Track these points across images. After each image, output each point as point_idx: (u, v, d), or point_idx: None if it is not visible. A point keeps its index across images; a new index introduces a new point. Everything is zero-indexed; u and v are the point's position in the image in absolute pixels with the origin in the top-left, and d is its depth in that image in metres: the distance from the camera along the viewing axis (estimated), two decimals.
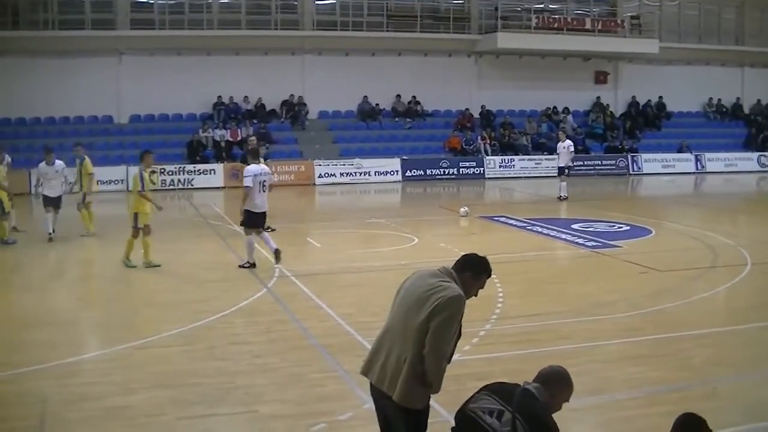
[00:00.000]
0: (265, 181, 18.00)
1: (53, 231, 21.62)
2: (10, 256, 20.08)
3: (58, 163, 22.14)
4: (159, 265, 18.06)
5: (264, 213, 18.11)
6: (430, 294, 6.22)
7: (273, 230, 22.20)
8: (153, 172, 19.82)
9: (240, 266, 17.88)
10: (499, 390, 5.94)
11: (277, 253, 17.73)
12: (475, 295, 6.61)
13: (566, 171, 32.49)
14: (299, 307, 14.45)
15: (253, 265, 17.83)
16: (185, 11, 41.83)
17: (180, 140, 39.95)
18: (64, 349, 11.98)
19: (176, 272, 17.92)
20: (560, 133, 35.43)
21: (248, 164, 18.32)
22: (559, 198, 31.62)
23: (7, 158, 24.00)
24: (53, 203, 21.92)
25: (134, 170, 18.96)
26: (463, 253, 6.70)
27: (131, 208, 18.43)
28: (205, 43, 41.66)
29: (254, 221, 17.89)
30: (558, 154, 33.13)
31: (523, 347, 11.81)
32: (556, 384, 5.93)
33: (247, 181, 17.64)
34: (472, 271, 6.53)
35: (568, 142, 33.21)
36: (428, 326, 6.13)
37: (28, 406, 9.63)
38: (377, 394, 6.51)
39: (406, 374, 6.19)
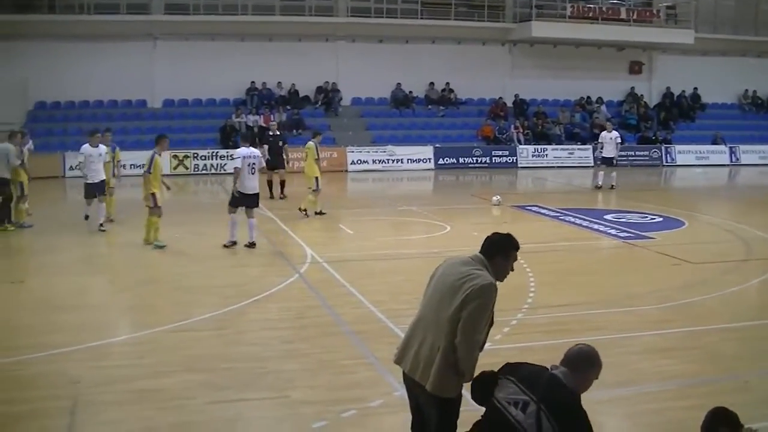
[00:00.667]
0: (254, 163, 18.66)
1: (98, 224, 21.04)
2: (39, 239, 20.17)
3: (102, 146, 21.44)
4: (164, 246, 18.65)
5: (255, 195, 18.80)
6: (462, 283, 6.21)
7: (324, 214, 22.43)
8: (186, 156, 20.10)
9: (224, 245, 18.61)
10: (526, 377, 5.90)
11: (251, 245, 18.65)
12: (512, 270, 6.61)
13: (613, 161, 32.60)
14: (331, 294, 14.48)
15: (233, 243, 18.67)
16: None
17: (213, 125, 40.04)
18: (95, 332, 12.07)
19: (208, 257, 17.98)
20: (607, 123, 35.53)
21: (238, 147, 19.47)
22: (607, 187, 31.78)
23: (30, 143, 24.12)
24: (96, 190, 21.21)
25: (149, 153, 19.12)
26: (486, 237, 6.63)
27: (146, 189, 18.79)
28: (239, 29, 41.65)
29: (241, 201, 18.64)
30: (603, 144, 33.05)
31: (554, 337, 11.77)
32: (583, 366, 5.87)
33: (236, 162, 18.61)
34: (501, 253, 6.50)
35: (615, 132, 33.34)
36: (460, 315, 6.12)
37: (61, 388, 9.70)
38: (410, 382, 6.53)
39: (439, 363, 6.19)
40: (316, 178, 22.98)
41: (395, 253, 17.98)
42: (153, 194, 18.53)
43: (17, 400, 9.31)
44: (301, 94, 43.41)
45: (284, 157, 27.96)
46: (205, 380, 9.98)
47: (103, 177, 21.27)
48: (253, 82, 42.56)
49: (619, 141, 33.16)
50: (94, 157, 21.05)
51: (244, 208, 18.77)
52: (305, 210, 23.10)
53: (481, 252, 6.52)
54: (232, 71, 41.52)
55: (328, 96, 43.50)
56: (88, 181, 21.14)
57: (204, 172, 37.31)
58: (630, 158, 42.46)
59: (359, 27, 43.38)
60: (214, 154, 37.88)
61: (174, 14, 40.93)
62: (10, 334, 12.08)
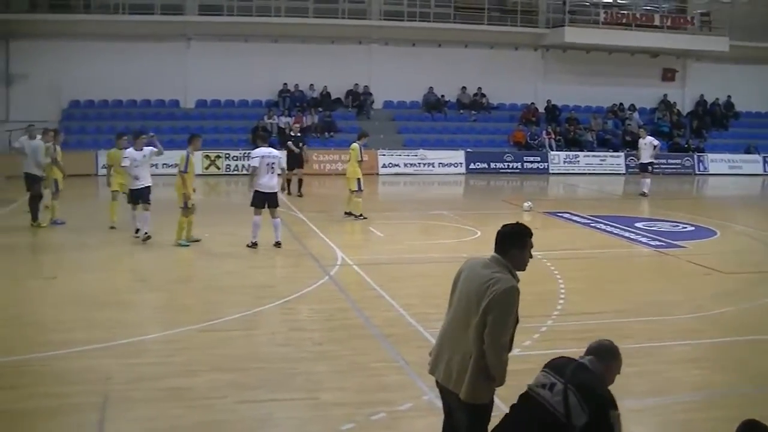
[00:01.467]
0: (273, 163, 18.65)
1: (142, 233, 19.63)
2: (71, 236, 20.34)
3: (147, 149, 19.96)
4: (188, 245, 18.91)
5: (273, 194, 18.79)
6: (485, 288, 6.25)
7: (365, 218, 22.45)
8: (218, 157, 20.13)
9: (247, 245, 18.76)
10: (555, 365, 6.11)
11: (277, 245, 18.77)
12: (531, 257, 6.64)
13: (649, 168, 32.54)
14: (361, 296, 14.52)
15: (255, 245, 18.70)
16: None
17: (245, 126, 40.17)
18: (127, 329, 12.16)
19: (239, 257, 18.05)
20: (641, 129, 35.50)
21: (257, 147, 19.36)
22: (642, 194, 31.67)
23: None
24: (140, 196, 19.74)
25: (183, 152, 19.20)
26: (497, 231, 6.64)
27: (179, 188, 18.91)
28: (272, 31, 41.79)
29: (260, 200, 18.64)
30: (640, 150, 32.96)
31: (584, 344, 11.48)
32: (606, 356, 6.07)
33: (254, 162, 18.64)
34: (516, 245, 6.53)
35: (650, 138, 33.25)
36: (486, 320, 6.18)
37: (92, 384, 9.78)
38: (444, 390, 6.60)
39: (472, 370, 6.24)
40: (358, 179, 22.97)
41: (425, 257, 17.97)
42: (185, 194, 18.63)
43: (50, 394, 9.39)
44: (333, 97, 43.51)
45: (302, 157, 29.75)
46: (235, 380, 10.02)
47: (150, 183, 19.94)
48: (285, 83, 42.70)
49: (656, 144, 33.08)
50: (138, 161, 19.68)
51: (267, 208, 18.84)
52: (351, 213, 23.20)
53: (495, 249, 6.55)
54: (264, 72, 41.70)
55: (359, 99, 43.54)
56: (132, 187, 19.90)
57: (236, 172, 37.41)
58: (662, 166, 42.23)
59: (392, 30, 43.44)
60: (245, 154, 37.82)
61: (208, 15, 41.19)
62: (44, 329, 12.18)
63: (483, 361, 6.20)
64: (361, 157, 23.76)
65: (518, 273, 6.53)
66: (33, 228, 21.25)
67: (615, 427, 5.79)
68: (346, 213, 23.52)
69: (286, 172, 27.13)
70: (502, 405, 8.14)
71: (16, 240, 20.69)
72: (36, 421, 8.73)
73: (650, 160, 32.60)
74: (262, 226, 18.73)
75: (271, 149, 19.04)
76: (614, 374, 6.10)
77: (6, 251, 19.35)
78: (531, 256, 6.63)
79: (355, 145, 23.77)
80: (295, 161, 29.48)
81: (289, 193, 29.35)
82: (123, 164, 19.98)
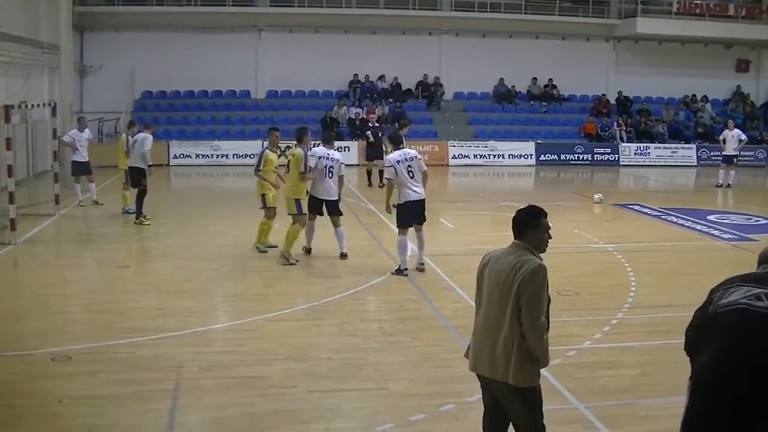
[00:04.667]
0: (331, 166, 16.69)
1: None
2: (143, 226, 20.65)
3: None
4: (266, 251, 17.50)
5: (333, 201, 16.90)
6: (513, 274, 6.31)
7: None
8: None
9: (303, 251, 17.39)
10: (751, 279, 5.76)
11: (342, 257, 16.96)
12: (550, 237, 6.64)
13: (734, 160, 32.47)
14: (431, 287, 14.49)
15: (308, 251, 17.35)
16: None
17: (315, 116, 40.22)
18: (199, 318, 12.34)
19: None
20: (729, 121, 35.18)
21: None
22: (727, 185, 31.70)
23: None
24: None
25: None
26: (512, 218, 6.68)
27: (258, 188, 17.72)
28: (343, 22, 41.92)
29: (316, 207, 16.89)
30: (725, 141, 32.74)
31: (655, 338, 11.63)
32: None
33: (311, 161, 16.57)
34: (529, 227, 6.57)
35: (737, 130, 33.03)
36: (519, 305, 6.23)
37: (165, 371, 9.92)
38: (490, 383, 6.56)
39: (516, 355, 6.27)
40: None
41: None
42: (263, 195, 17.50)
43: (125, 381, 9.54)
44: (404, 88, 43.49)
45: (383, 148, 27.69)
46: (305, 369, 10.09)
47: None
48: (356, 74, 42.78)
49: (743, 139, 32.90)
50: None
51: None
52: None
53: (514, 234, 6.64)
54: (335, 63, 41.80)
55: (430, 90, 43.49)
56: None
57: None
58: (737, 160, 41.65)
59: (463, 21, 43.28)
60: (316, 145, 37.99)
61: (279, 6, 41.40)
62: (119, 318, 12.38)
63: (525, 344, 6.25)
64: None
65: (547, 259, 6.53)
66: (124, 220, 21.59)
67: None
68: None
69: (366, 162, 27.02)
70: (570, 396, 8.12)
71: (90, 229, 21.06)
72: (111, 407, 8.85)
73: (736, 153, 32.41)
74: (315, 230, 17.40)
75: (332, 151, 17.11)
76: None
77: (80, 240, 19.73)
78: (550, 237, 6.64)
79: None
80: (376, 152, 29.18)
81: (370, 185, 29.24)
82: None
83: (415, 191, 15.51)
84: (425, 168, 15.99)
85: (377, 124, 31.70)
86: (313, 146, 18.25)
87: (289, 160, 16.77)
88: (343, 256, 16.91)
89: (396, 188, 15.62)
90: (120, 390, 9.27)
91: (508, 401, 6.47)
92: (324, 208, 16.88)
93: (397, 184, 15.53)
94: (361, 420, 8.82)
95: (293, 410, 8.90)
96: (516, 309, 6.24)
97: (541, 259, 6.46)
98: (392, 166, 15.57)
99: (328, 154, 16.82)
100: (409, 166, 15.60)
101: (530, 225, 6.56)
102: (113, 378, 9.65)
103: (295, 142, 17.03)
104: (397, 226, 15.61)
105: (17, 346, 10.93)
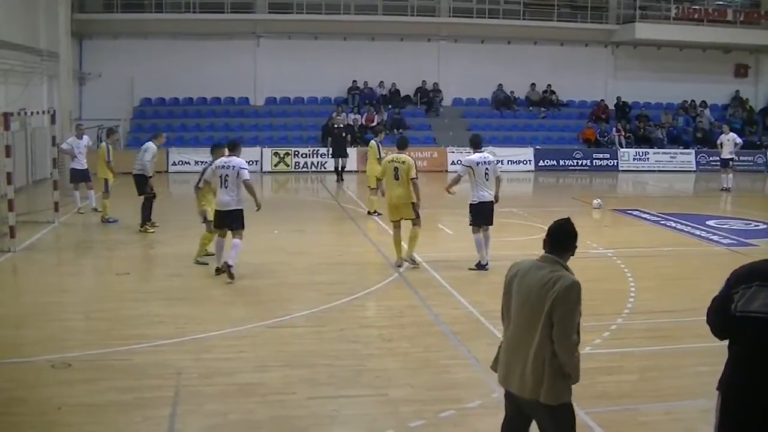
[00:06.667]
0: (395, 168, 16.45)
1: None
2: (141, 233, 20.63)
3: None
4: (207, 263, 16.57)
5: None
6: (546, 289, 6.17)
7: (379, 215, 22.24)
8: (287, 154, 19.31)
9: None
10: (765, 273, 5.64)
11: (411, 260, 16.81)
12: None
13: (730, 163, 32.66)
14: (430, 293, 14.50)
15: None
16: None
17: (315, 123, 40.24)
18: (198, 325, 12.33)
19: (308, 254, 18.12)
20: (724, 125, 35.58)
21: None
22: (726, 189, 31.90)
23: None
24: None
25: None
26: (547, 229, 6.53)
27: (197, 203, 17.03)
28: (342, 28, 41.93)
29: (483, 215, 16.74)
30: (722, 145, 33.03)
31: (655, 343, 11.66)
32: None
33: (461, 169, 16.93)
34: (568, 246, 6.45)
35: (733, 134, 33.28)
36: (552, 321, 6.12)
37: (164, 378, 9.92)
38: (521, 402, 6.46)
39: (548, 372, 6.17)
40: (378, 177, 22.04)
41: (494, 254, 17.78)
42: (204, 210, 16.76)
43: (124, 388, 9.54)
44: (402, 94, 43.48)
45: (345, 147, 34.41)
46: (305, 376, 10.08)
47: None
48: (354, 81, 42.80)
49: (738, 142, 33.16)
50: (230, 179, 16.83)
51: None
52: (376, 211, 22.93)
53: (551, 247, 6.44)
54: (334, 70, 41.80)
55: (429, 96, 43.50)
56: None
57: (304, 169, 37.57)
58: (733, 163, 41.67)
59: (461, 27, 43.29)
60: (314, 152, 38.11)
61: (277, 13, 41.39)
62: (118, 325, 12.37)
63: (556, 361, 6.16)
64: (380, 154, 22.55)
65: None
66: (123, 228, 21.45)
67: None
68: (370, 212, 23.29)
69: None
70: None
71: (89, 237, 21.08)
72: (111, 415, 8.87)
73: (731, 156, 32.60)
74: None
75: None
76: None
77: (80, 248, 19.74)
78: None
79: (372, 142, 23.52)
80: (340, 150, 34.90)
81: (342, 180, 31.82)
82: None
83: (488, 193, 16.54)
84: (499, 173, 17.10)
85: (341, 126, 35.78)
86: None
87: (396, 168, 16.51)
88: (410, 260, 16.80)
89: (470, 188, 16.65)
90: (119, 397, 9.27)
91: (541, 419, 6.40)
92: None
93: (472, 185, 16.54)
94: (361, 426, 8.82)
95: (293, 417, 8.89)
96: (548, 326, 6.14)
97: (573, 273, 6.33)
98: (470, 166, 16.44)
99: (485, 157, 16.93)
100: (486, 169, 16.49)
101: (569, 243, 6.46)
102: (113, 385, 9.64)
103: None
104: (471, 224, 16.63)
105: (16, 354, 10.95)
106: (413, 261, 16.77)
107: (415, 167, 16.55)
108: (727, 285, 5.82)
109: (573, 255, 6.47)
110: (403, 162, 16.47)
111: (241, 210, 15.53)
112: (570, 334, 6.13)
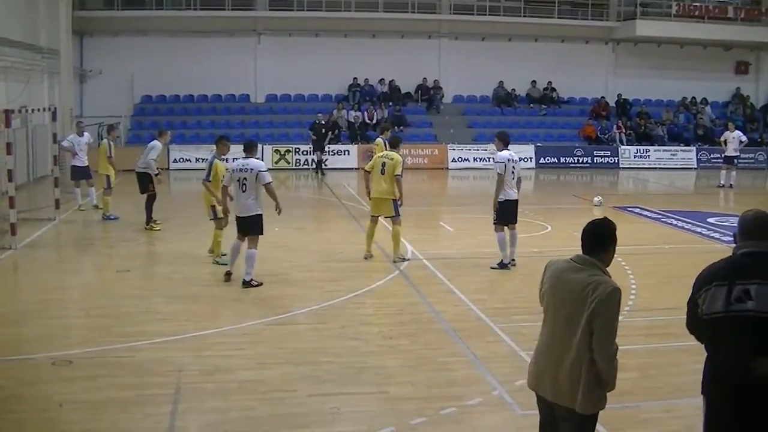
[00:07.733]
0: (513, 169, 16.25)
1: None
2: (142, 231, 20.61)
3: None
4: (226, 263, 15.74)
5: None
6: (586, 294, 5.91)
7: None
8: (287, 151, 19.26)
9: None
10: (719, 272, 5.97)
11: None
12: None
13: (734, 161, 32.80)
14: (431, 291, 14.50)
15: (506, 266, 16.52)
16: None
17: (315, 120, 40.23)
18: (199, 322, 12.32)
19: (310, 251, 18.16)
20: (729, 123, 35.49)
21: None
22: (729, 186, 32.13)
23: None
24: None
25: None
26: (583, 230, 6.19)
27: (206, 199, 16.98)
28: (343, 25, 41.94)
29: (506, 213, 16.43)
30: (726, 143, 33.10)
31: (655, 341, 11.66)
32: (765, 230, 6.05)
33: (499, 167, 16.17)
34: (607, 245, 6.14)
35: (738, 132, 33.27)
36: (592, 327, 5.89)
37: (165, 375, 9.93)
38: (550, 405, 6.27)
39: (585, 381, 5.96)
40: (366, 170, 21.56)
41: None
42: (212, 206, 16.68)
43: (125, 385, 9.55)
44: (403, 91, 43.46)
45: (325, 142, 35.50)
46: (306, 373, 10.08)
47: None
48: (355, 78, 42.78)
49: (743, 140, 33.18)
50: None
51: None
52: None
53: (588, 248, 6.15)
54: (334, 67, 41.75)
55: (429, 93, 43.47)
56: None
57: (305, 167, 37.56)
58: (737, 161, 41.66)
59: (462, 24, 43.30)
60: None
61: (278, 10, 41.40)
62: (120, 321, 12.38)
63: (594, 369, 5.93)
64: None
65: None
66: (124, 225, 21.46)
67: None
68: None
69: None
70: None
71: (90, 234, 21.08)
72: (112, 412, 8.89)
73: (736, 154, 32.69)
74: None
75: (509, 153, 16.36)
76: None
77: (80, 245, 19.75)
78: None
79: (379, 140, 23.45)
80: (319, 145, 35.68)
81: (323, 174, 31.86)
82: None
83: (513, 191, 16.23)
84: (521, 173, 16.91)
85: (323, 122, 36.43)
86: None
87: (384, 163, 16.78)
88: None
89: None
90: (120, 394, 9.28)
91: (567, 426, 6.16)
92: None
93: (498, 183, 16.20)
94: (362, 424, 8.81)
95: (294, 414, 8.91)
96: (587, 333, 5.90)
97: (611, 277, 6.10)
98: (503, 162, 16.08)
99: (512, 155, 16.56)
100: (513, 167, 16.16)
101: (608, 243, 6.14)
102: (114, 382, 9.65)
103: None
104: (495, 223, 16.31)
105: (17, 351, 10.97)
106: (403, 259, 16.88)
107: (402, 165, 16.82)
108: (692, 289, 6.06)
109: (612, 258, 6.20)
110: (392, 158, 16.80)
111: (261, 215, 14.83)
112: (611, 343, 5.91)
